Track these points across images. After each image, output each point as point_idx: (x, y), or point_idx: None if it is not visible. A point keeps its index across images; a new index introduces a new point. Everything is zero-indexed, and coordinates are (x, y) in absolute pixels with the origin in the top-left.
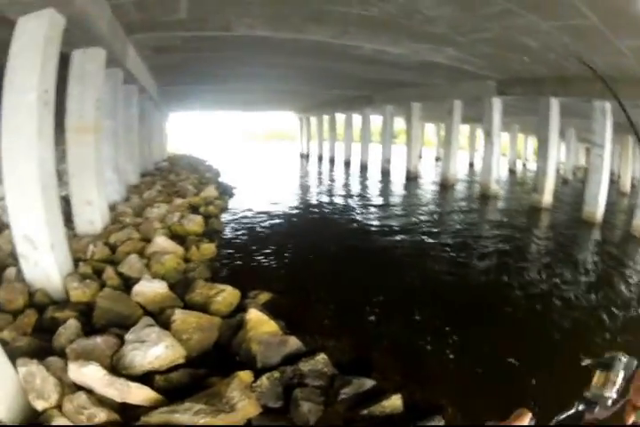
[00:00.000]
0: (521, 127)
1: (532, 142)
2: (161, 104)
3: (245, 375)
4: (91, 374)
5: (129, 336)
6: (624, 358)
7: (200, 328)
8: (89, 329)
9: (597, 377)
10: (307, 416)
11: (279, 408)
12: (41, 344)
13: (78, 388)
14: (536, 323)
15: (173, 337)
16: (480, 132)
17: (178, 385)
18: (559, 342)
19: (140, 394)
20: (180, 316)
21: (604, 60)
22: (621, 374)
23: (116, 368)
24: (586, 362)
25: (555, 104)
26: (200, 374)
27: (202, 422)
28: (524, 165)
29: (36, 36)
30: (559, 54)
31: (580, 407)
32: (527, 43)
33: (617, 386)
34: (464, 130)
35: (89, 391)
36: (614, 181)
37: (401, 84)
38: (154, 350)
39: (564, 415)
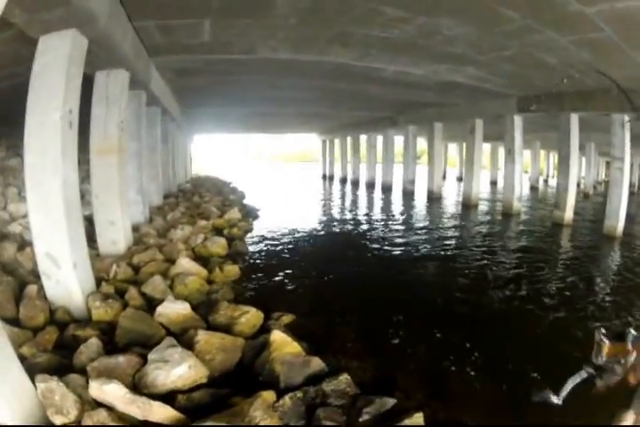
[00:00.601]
0: (542, 144)
1: (554, 158)
2: (184, 126)
3: (268, 395)
4: (112, 392)
5: (152, 356)
6: (634, 332)
7: (223, 349)
8: (110, 348)
9: (609, 347)
10: None
11: None
12: (61, 361)
13: (99, 405)
14: (561, 343)
15: (196, 357)
16: (501, 151)
17: (200, 404)
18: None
19: (161, 412)
20: (203, 337)
21: (621, 73)
22: (630, 346)
23: (137, 387)
24: (598, 335)
25: (575, 119)
26: (222, 394)
27: None
28: (546, 181)
29: (58, 55)
30: (579, 69)
31: (590, 371)
32: (546, 59)
33: (627, 356)
34: (485, 149)
35: (110, 409)
36: (634, 193)
37: (423, 105)
38: (177, 369)
39: (578, 380)
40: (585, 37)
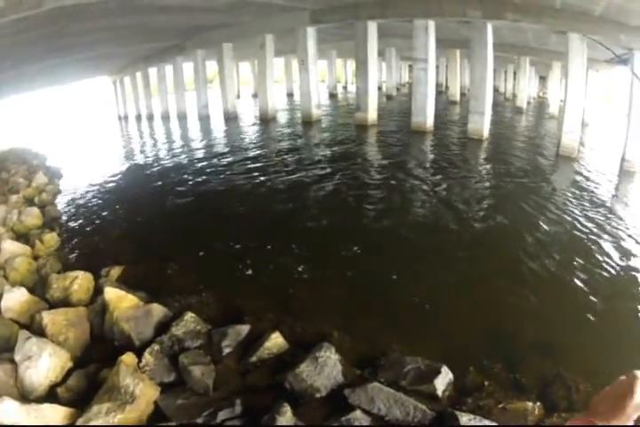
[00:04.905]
0: (338, 53)
1: (352, 66)
2: None
3: (128, 358)
4: (8, 410)
5: (17, 357)
6: None
7: (71, 324)
8: None
9: None
10: (203, 381)
11: (175, 381)
12: None
13: None
14: (385, 237)
15: (52, 342)
16: (295, 63)
17: (79, 390)
18: (416, 255)
19: (53, 413)
20: (48, 318)
21: None
22: None
23: (24, 395)
24: None
25: (372, 27)
26: (92, 372)
27: (116, 420)
28: (345, 87)
29: None
30: None
31: None
32: None
33: None
34: (279, 63)
35: None
36: (443, 92)
37: (211, 28)
38: (41, 362)
39: None
40: None
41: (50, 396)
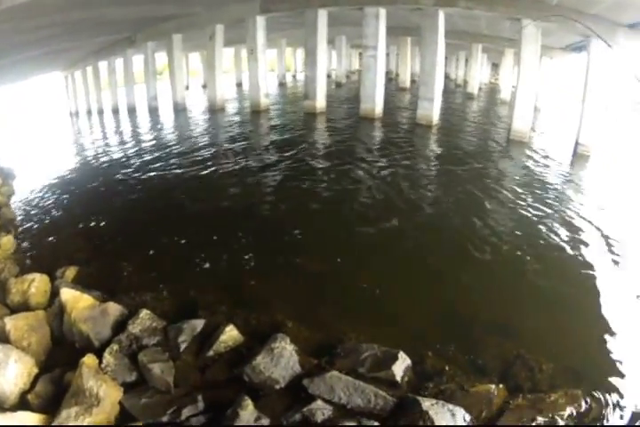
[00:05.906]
0: (288, 41)
1: (302, 54)
2: None
3: (89, 360)
4: None
5: None
6: None
7: (32, 329)
8: None
9: None
10: (163, 378)
11: (137, 380)
12: None
13: None
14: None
15: (16, 348)
16: (245, 53)
17: (48, 396)
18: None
19: (28, 421)
20: (10, 323)
21: None
22: None
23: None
24: None
25: (322, 15)
26: (57, 376)
27: (86, 423)
28: (294, 76)
29: None
30: None
31: None
32: None
33: None
34: (229, 53)
35: None
36: (393, 79)
37: (162, 19)
38: (9, 369)
39: None
40: None
41: (22, 403)
